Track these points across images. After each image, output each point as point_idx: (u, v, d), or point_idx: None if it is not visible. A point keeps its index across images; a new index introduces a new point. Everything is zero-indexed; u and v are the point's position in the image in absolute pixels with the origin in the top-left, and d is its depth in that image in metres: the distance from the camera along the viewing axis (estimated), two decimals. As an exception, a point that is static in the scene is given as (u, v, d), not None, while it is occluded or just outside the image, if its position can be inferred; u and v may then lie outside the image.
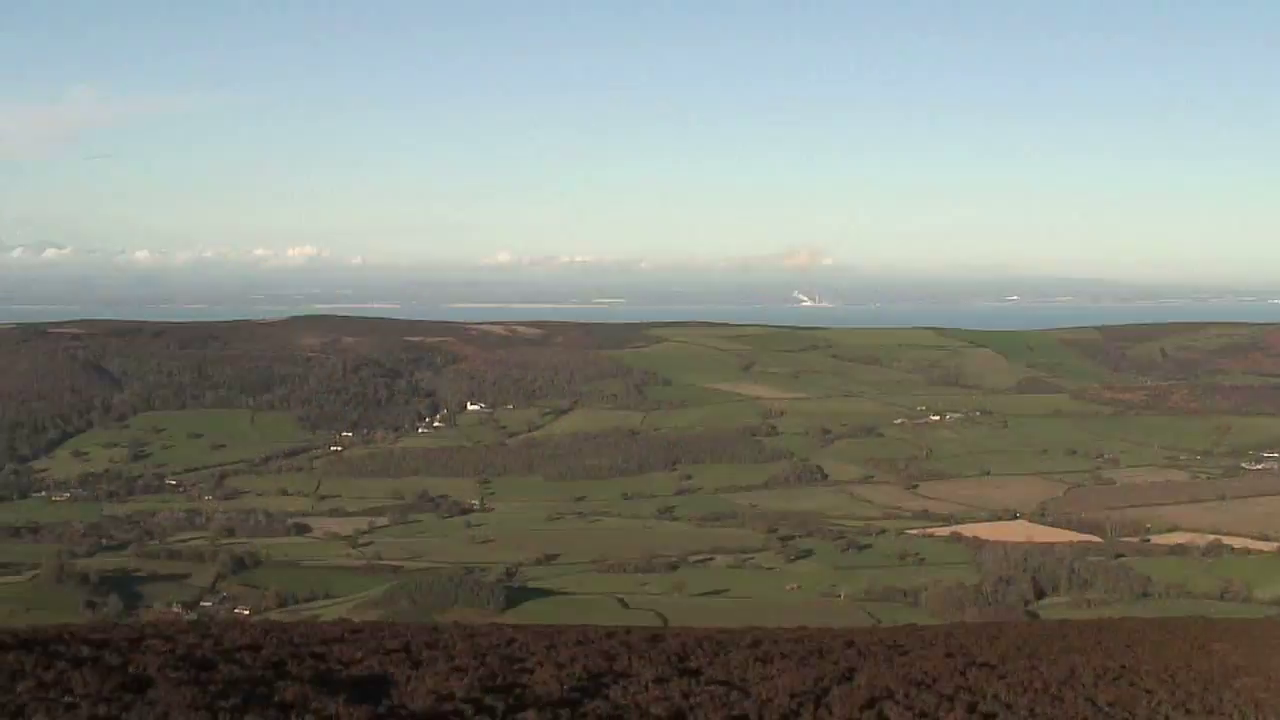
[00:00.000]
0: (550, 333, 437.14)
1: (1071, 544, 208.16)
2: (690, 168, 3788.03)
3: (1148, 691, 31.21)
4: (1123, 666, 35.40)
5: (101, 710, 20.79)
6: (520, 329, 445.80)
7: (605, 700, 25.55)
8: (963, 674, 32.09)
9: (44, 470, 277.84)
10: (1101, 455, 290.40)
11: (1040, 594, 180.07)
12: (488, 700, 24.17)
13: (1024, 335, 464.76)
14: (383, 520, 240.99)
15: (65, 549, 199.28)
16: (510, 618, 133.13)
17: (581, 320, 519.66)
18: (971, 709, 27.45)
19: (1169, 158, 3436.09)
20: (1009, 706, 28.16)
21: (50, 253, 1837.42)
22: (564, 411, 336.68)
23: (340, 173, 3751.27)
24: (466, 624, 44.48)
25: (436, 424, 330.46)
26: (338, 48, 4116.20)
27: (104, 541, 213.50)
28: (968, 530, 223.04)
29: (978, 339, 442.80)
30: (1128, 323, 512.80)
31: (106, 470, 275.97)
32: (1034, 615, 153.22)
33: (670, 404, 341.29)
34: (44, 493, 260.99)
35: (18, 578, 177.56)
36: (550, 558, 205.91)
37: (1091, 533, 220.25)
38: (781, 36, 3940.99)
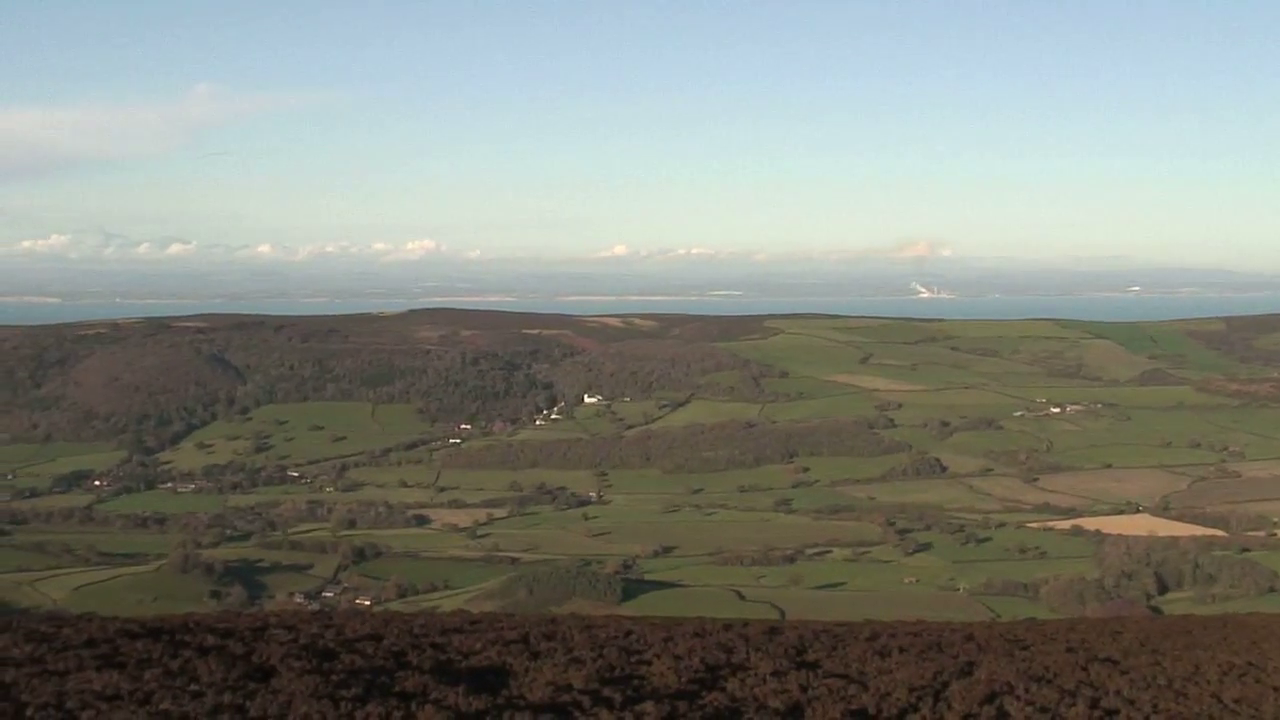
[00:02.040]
0: (667, 325, 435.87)
1: (1195, 538, 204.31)
2: (807, 159, 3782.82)
3: (1275, 689, 30.65)
4: (1249, 663, 34.77)
5: (226, 698, 21.12)
6: (637, 321, 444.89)
7: (723, 692, 25.54)
8: (1084, 669, 31.70)
9: (169, 462, 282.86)
10: (1226, 448, 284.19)
11: (1163, 588, 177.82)
12: (606, 692, 24.25)
13: (1146, 326, 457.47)
14: (501, 512, 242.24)
15: (190, 539, 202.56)
16: (628, 610, 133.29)
17: (698, 312, 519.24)
18: (1093, 704, 27.12)
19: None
20: (1132, 702, 27.79)
21: (175, 248, 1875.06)
22: (681, 403, 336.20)
23: (459, 167, 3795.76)
24: (584, 616, 44.59)
25: (554, 416, 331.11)
26: (454, 44, 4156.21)
27: (228, 532, 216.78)
28: (1089, 524, 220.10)
29: (1099, 330, 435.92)
30: (1253, 313, 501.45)
31: (230, 462, 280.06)
32: (1157, 610, 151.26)
33: (787, 396, 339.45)
34: (169, 484, 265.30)
35: (145, 567, 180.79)
36: (667, 550, 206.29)
37: (1216, 527, 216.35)
38: (900, 30, 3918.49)
